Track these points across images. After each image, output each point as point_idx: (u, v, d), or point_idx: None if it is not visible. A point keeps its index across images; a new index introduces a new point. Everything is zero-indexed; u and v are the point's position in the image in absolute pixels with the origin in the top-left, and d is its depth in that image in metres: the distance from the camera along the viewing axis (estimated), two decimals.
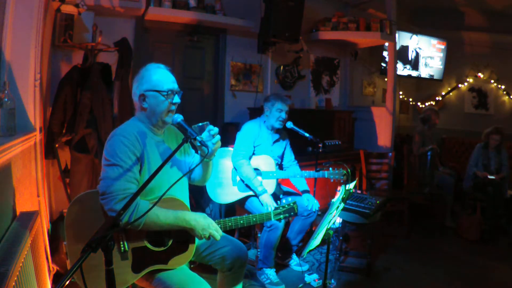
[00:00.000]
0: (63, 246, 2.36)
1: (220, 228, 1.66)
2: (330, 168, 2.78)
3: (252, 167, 2.75)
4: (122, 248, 1.52)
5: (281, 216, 1.79)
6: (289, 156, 3.07)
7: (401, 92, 6.53)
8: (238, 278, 1.86)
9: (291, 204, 1.81)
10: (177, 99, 1.65)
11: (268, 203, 2.63)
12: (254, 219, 1.75)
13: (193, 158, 1.89)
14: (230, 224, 1.71)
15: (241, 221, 1.72)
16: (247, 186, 2.75)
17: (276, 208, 1.86)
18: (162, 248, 1.59)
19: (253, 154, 2.84)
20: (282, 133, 3.03)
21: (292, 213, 1.79)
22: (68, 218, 1.51)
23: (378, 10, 5.44)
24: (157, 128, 1.70)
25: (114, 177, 1.47)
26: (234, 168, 2.78)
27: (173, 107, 1.65)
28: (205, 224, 1.59)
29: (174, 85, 1.66)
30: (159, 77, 1.64)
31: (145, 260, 1.56)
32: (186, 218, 1.56)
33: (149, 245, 1.57)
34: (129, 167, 1.51)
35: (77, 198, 1.54)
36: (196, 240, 1.65)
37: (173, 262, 1.61)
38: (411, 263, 3.17)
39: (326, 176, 2.78)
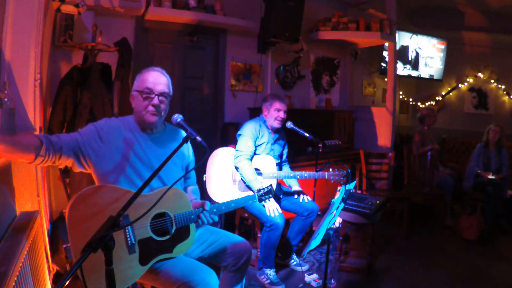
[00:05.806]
0: (62, 246, 2.36)
1: (215, 212, 1.78)
2: (331, 169, 2.78)
3: (254, 168, 2.74)
4: (129, 242, 1.53)
5: (263, 198, 2.04)
6: (284, 155, 3.09)
7: (401, 92, 6.53)
8: (241, 275, 1.87)
9: (268, 187, 2.08)
10: (154, 101, 1.61)
11: (268, 205, 2.61)
12: (242, 201, 1.95)
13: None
14: (223, 208, 1.85)
15: (232, 204, 1.89)
16: (247, 186, 2.74)
17: (258, 192, 2.09)
18: (167, 237, 1.63)
19: (255, 153, 2.84)
20: (281, 132, 3.04)
21: (271, 195, 2.07)
22: (72, 215, 1.50)
23: (378, 10, 5.43)
24: (144, 127, 1.70)
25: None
26: (235, 168, 2.78)
27: (151, 108, 1.62)
28: None
29: (156, 86, 1.63)
30: (146, 77, 1.65)
31: (151, 250, 1.59)
32: None
33: (154, 236, 1.60)
34: (78, 135, 1.57)
35: (78, 195, 1.53)
36: (195, 227, 1.74)
37: (177, 249, 1.65)
38: (411, 263, 3.17)
39: (326, 177, 2.78)
